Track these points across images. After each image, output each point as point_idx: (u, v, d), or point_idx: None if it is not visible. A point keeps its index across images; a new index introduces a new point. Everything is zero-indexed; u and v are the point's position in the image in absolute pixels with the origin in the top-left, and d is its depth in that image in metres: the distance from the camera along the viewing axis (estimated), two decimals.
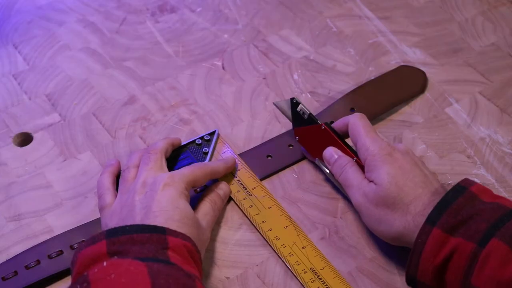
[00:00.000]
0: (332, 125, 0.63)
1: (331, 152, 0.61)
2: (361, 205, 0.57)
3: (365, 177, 0.57)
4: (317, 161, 0.64)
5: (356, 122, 0.60)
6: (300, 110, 0.64)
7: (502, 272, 0.46)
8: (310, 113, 0.64)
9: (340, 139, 0.61)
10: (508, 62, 0.78)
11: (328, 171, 0.62)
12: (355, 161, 0.59)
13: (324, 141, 0.62)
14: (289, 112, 0.66)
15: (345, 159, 0.60)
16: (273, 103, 0.69)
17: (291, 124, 0.69)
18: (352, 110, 0.69)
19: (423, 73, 0.75)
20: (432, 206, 0.51)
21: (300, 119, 0.65)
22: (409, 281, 0.53)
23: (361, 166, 0.58)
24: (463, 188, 0.52)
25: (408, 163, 0.56)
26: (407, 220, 0.53)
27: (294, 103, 0.65)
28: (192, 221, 0.53)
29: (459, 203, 0.50)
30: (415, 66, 0.76)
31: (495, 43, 0.80)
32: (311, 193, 0.63)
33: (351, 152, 0.60)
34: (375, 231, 0.57)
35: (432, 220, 0.50)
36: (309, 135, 0.64)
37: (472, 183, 0.53)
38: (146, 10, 0.83)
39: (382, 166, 0.55)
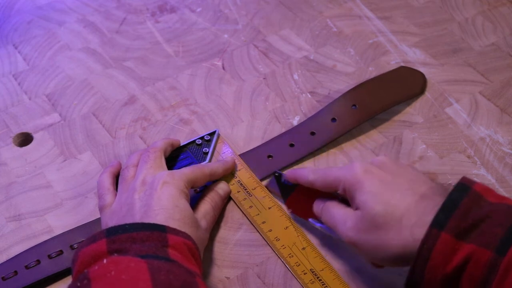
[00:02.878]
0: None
1: (318, 202, 0.57)
2: (352, 238, 0.51)
3: (350, 208, 0.52)
4: (311, 221, 0.58)
5: (310, 172, 0.56)
6: (284, 180, 0.60)
7: None
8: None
9: None
10: (508, 62, 0.78)
11: (320, 225, 0.57)
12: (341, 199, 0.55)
13: (313, 196, 0.58)
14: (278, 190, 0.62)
15: (323, 200, 0.55)
16: (266, 187, 0.63)
17: (291, 124, 0.69)
18: (354, 107, 0.69)
19: (422, 75, 0.75)
20: (427, 213, 0.47)
21: (287, 189, 0.61)
22: (409, 287, 0.48)
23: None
24: (467, 187, 0.47)
25: (388, 174, 0.51)
26: (404, 236, 0.47)
27: (277, 176, 0.62)
28: (192, 220, 0.53)
29: (466, 204, 0.45)
30: (415, 67, 0.76)
31: (495, 43, 0.80)
32: None
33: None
34: (375, 260, 0.51)
35: (439, 223, 0.45)
36: (299, 199, 0.60)
37: (473, 181, 0.48)
38: (146, 10, 0.83)
39: (362, 187, 0.50)
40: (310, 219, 0.58)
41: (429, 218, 0.46)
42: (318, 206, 0.57)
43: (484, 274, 0.43)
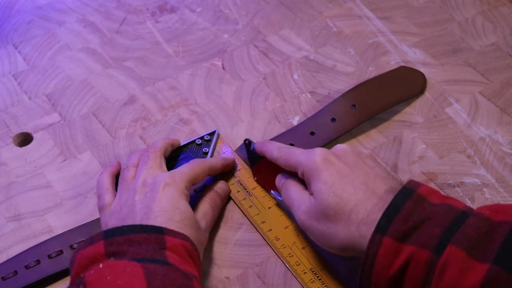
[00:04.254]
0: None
1: (280, 176, 0.58)
2: (304, 223, 0.53)
3: (307, 192, 0.54)
4: (272, 193, 0.61)
5: (275, 148, 0.57)
6: (253, 148, 0.62)
7: (461, 281, 0.43)
8: None
9: None
10: (508, 62, 0.78)
11: (281, 198, 0.58)
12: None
13: (277, 169, 0.59)
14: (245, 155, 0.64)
15: (284, 176, 0.57)
16: (235, 151, 0.65)
17: (291, 124, 0.69)
18: (354, 107, 0.69)
19: (422, 75, 0.75)
20: (374, 212, 0.48)
21: (255, 157, 0.62)
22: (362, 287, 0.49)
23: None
24: (411, 191, 0.48)
25: (346, 165, 0.52)
26: (351, 231, 0.49)
27: (247, 144, 0.63)
28: (192, 222, 0.53)
29: (408, 208, 0.47)
30: (415, 67, 0.76)
31: (495, 43, 0.80)
32: None
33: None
34: (324, 246, 0.53)
35: (381, 228, 0.46)
36: (264, 170, 0.61)
37: (419, 184, 0.49)
38: (146, 10, 0.83)
39: (319, 175, 0.51)
40: (272, 191, 0.60)
41: (376, 216, 0.48)
42: (279, 181, 0.58)
43: (424, 274, 0.45)
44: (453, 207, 0.47)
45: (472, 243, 0.44)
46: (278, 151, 0.57)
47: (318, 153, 0.53)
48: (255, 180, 0.63)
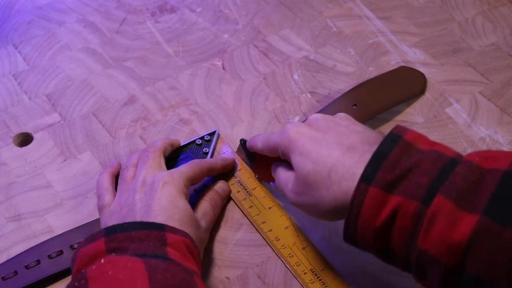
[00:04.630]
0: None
1: (273, 166, 0.58)
2: (292, 200, 0.52)
3: (292, 171, 0.53)
4: (272, 184, 0.61)
5: (258, 140, 0.57)
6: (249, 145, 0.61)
7: (451, 233, 0.41)
8: None
9: None
10: (508, 62, 0.78)
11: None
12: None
13: (271, 161, 0.59)
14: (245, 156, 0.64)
15: (277, 164, 0.56)
16: (236, 152, 0.65)
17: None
18: (355, 107, 0.69)
19: (423, 75, 0.75)
20: (353, 165, 0.47)
21: (251, 155, 0.62)
22: (347, 239, 0.48)
23: None
24: (397, 137, 0.46)
25: (319, 130, 0.51)
26: (334, 191, 0.47)
27: (243, 144, 0.63)
28: (191, 220, 0.53)
29: (395, 155, 0.45)
30: (415, 67, 0.76)
31: (495, 43, 0.80)
32: None
33: None
34: (317, 218, 0.52)
35: (367, 177, 0.44)
36: (261, 164, 0.61)
37: (406, 129, 0.47)
38: (146, 10, 0.83)
39: (294, 149, 0.51)
40: (271, 183, 0.60)
41: (355, 169, 0.46)
42: (273, 171, 0.58)
43: (411, 225, 0.43)
44: (442, 154, 0.45)
45: (460, 193, 0.42)
46: (260, 142, 0.58)
47: (290, 128, 0.52)
48: (257, 178, 0.63)
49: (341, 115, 0.54)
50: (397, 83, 0.74)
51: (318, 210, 0.50)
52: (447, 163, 0.44)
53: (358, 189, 0.45)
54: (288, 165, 0.55)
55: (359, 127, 0.52)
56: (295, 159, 0.51)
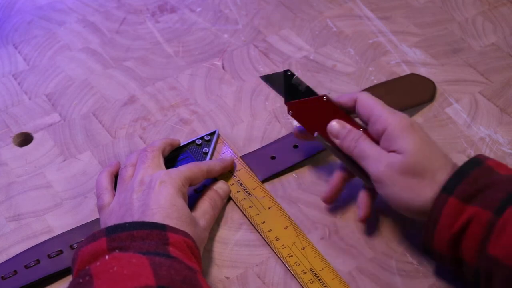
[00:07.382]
0: (336, 99, 0.60)
1: (339, 126, 0.59)
2: (384, 175, 0.55)
3: (382, 148, 0.56)
4: (316, 136, 0.60)
5: (368, 97, 0.58)
6: (296, 82, 0.61)
7: None
8: (308, 86, 0.62)
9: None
10: (508, 62, 0.78)
11: (330, 145, 0.59)
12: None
13: (326, 114, 0.59)
14: (279, 86, 0.63)
15: (357, 131, 0.58)
16: (260, 77, 0.65)
17: (291, 124, 0.69)
18: None
19: (433, 83, 0.74)
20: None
21: (294, 92, 0.61)
22: (424, 250, 0.54)
23: (372, 138, 0.57)
24: (480, 161, 0.52)
25: (427, 135, 0.56)
26: (434, 190, 0.52)
27: (289, 75, 0.62)
28: (189, 219, 0.53)
29: (476, 173, 0.51)
30: (415, 67, 0.76)
31: (495, 43, 0.80)
32: (311, 193, 0.63)
33: (357, 125, 0.59)
34: (398, 201, 0.55)
35: (448, 189, 0.51)
36: (306, 109, 0.61)
37: (488, 158, 0.53)
38: (146, 10, 0.83)
39: (407, 135, 0.55)
40: (316, 134, 0.60)
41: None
42: (351, 136, 0.58)
43: (483, 233, 0.48)
44: None
45: None
46: (357, 98, 0.59)
47: (405, 117, 0.56)
48: (290, 115, 0.62)
49: None
50: (406, 89, 0.73)
51: (411, 196, 0.53)
52: None
53: (439, 199, 0.51)
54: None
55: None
56: (408, 145, 0.54)
